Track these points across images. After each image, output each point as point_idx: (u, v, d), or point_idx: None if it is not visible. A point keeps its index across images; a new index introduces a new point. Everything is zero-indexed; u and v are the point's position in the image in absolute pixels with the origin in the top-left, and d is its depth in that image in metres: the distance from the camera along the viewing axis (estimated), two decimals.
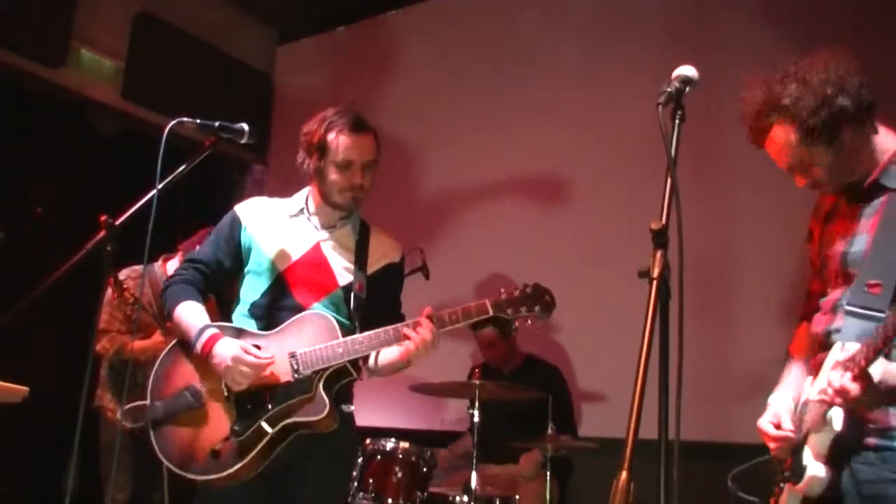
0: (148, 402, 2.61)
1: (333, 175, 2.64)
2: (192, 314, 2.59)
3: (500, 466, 4.38)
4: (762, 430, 2.18)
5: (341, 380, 2.55)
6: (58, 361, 5.04)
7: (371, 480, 3.64)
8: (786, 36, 4.29)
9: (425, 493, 3.69)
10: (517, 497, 3.91)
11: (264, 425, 2.45)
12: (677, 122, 1.85)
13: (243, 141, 2.65)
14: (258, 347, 2.51)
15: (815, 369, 2.14)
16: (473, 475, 3.62)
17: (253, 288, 2.68)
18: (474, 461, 3.64)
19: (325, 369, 2.48)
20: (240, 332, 2.59)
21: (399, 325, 2.49)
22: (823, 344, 2.10)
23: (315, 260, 2.67)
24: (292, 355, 2.50)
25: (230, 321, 2.69)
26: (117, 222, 2.53)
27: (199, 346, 2.51)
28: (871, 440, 1.96)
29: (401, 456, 3.70)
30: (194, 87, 5.94)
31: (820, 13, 4.45)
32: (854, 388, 1.84)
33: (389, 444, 3.74)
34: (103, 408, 4.27)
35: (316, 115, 2.72)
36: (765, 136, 2.12)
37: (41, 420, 4.75)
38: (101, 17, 5.77)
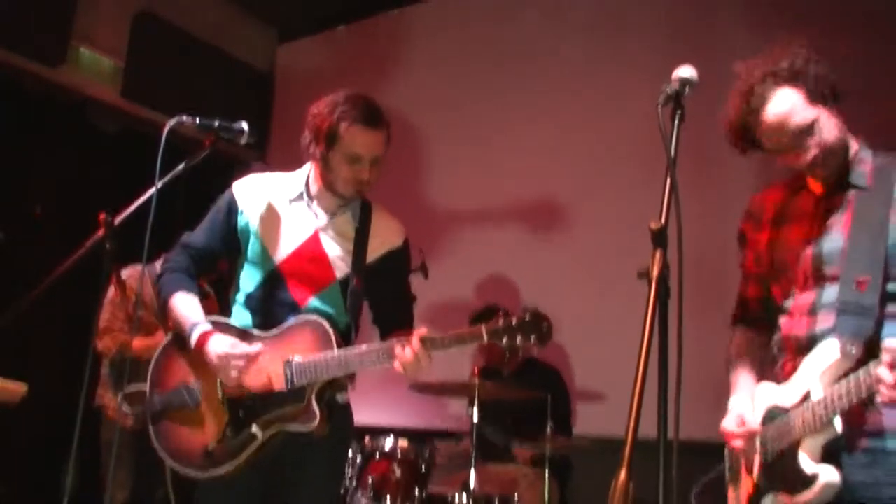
0: (147, 392, 2.62)
1: (340, 166, 2.57)
2: (185, 307, 2.58)
3: (498, 465, 4.38)
4: (726, 430, 2.18)
5: (334, 389, 2.55)
6: (58, 360, 5.05)
7: (370, 479, 3.65)
8: (785, 35, 4.29)
9: (424, 492, 3.69)
10: (516, 496, 3.91)
11: (255, 430, 2.46)
12: (677, 122, 1.85)
13: (243, 140, 2.65)
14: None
15: (785, 374, 2.13)
16: (472, 474, 3.62)
17: (249, 278, 2.65)
18: (473, 460, 3.64)
19: (317, 381, 2.46)
20: (239, 333, 2.57)
21: (392, 342, 2.42)
22: (804, 347, 2.07)
23: (312, 251, 2.63)
24: (287, 363, 2.48)
25: (230, 312, 2.68)
26: (117, 221, 2.55)
27: (192, 342, 2.51)
28: (864, 442, 1.94)
29: (400, 455, 3.71)
30: (194, 87, 5.94)
31: (821, 13, 4.45)
32: None
33: (388, 443, 3.74)
34: (104, 406, 4.27)
35: (327, 96, 2.61)
36: (759, 115, 2.08)
37: (41, 419, 4.76)
38: (101, 15, 5.76)
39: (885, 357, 1.80)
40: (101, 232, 2.54)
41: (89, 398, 4.19)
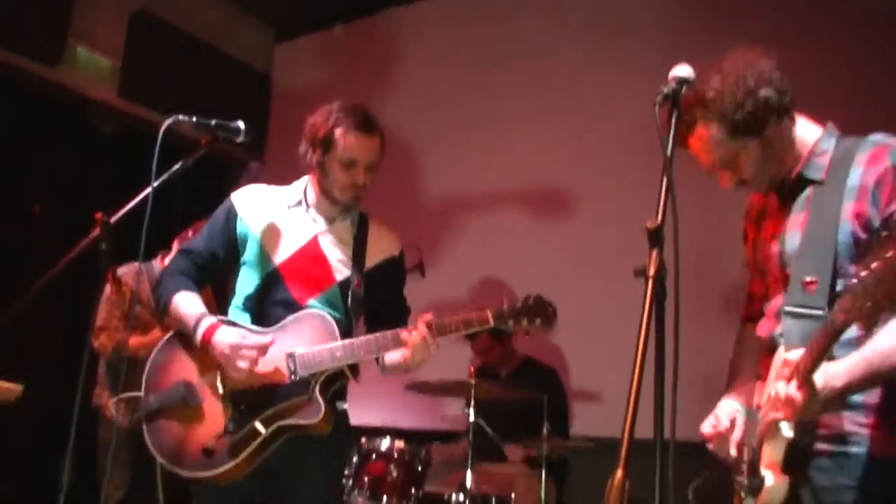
0: (142, 394, 2.59)
1: (336, 172, 2.60)
2: (188, 304, 2.56)
3: (495, 465, 4.38)
4: (702, 432, 2.14)
5: (338, 382, 2.54)
6: (55, 359, 5.04)
7: (366, 479, 3.64)
8: (786, 35, 4.30)
9: (421, 492, 3.69)
10: (513, 496, 3.91)
11: (258, 425, 2.42)
12: (674, 121, 1.86)
13: (240, 139, 2.65)
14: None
15: (764, 375, 2.11)
16: (469, 474, 3.62)
17: (248, 280, 2.65)
18: (470, 460, 3.64)
19: (322, 372, 2.45)
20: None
21: (398, 329, 2.45)
22: (771, 349, 2.05)
23: (312, 254, 2.63)
24: (290, 356, 2.47)
25: (227, 315, 2.66)
26: (113, 220, 2.54)
27: (198, 335, 2.47)
28: (825, 446, 1.90)
29: (396, 455, 3.71)
30: (191, 86, 5.93)
31: (821, 13, 4.46)
32: (799, 398, 1.76)
33: (385, 443, 3.74)
34: (101, 406, 4.27)
35: (323, 106, 2.66)
36: (689, 133, 2.04)
37: (39, 418, 4.76)
38: (99, 15, 5.76)
39: (783, 370, 1.80)
40: (96, 231, 2.53)
41: (86, 397, 4.19)
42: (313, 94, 6.34)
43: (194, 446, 2.47)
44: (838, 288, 1.90)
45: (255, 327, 2.57)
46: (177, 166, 2.62)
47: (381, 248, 2.73)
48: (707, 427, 2.13)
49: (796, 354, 1.81)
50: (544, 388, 4.17)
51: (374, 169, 2.64)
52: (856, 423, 1.88)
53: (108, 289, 4.17)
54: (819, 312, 1.89)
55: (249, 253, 2.66)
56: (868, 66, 4.12)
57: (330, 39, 6.80)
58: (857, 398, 1.86)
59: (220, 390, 2.51)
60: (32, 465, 5.06)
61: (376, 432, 3.92)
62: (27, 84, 5.37)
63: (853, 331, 1.79)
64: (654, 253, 1.70)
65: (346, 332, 2.59)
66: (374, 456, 3.72)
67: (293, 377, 2.46)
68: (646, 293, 1.67)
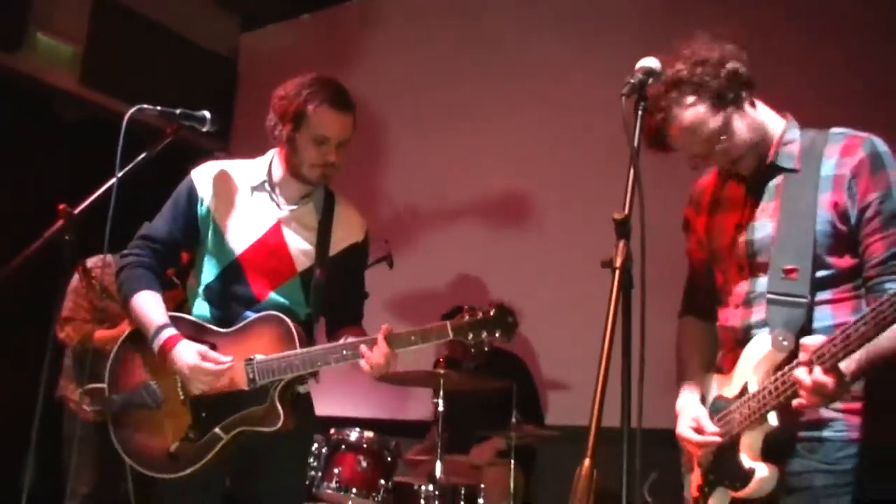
0: (106, 391, 2.57)
1: (307, 148, 2.52)
2: (149, 307, 2.51)
3: (465, 456, 4.40)
4: (684, 437, 2.12)
5: (297, 386, 2.53)
6: (18, 352, 4.95)
7: (336, 470, 3.65)
8: (760, 30, 4.32)
9: (390, 483, 3.70)
10: (482, 486, 3.93)
11: (219, 431, 2.44)
12: (640, 112, 1.88)
13: (205, 129, 2.61)
14: (215, 347, 2.47)
15: (727, 365, 2.12)
16: (438, 465, 3.63)
17: (208, 269, 2.61)
18: (439, 451, 3.65)
19: (280, 379, 2.44)
20: (198, 329, 2.53)
21: (358, 340, 2.41)
22: (741, 340, 2.06)
23: (273, 243, 2.58)
24: (249, 362, 2.44)
25: (190, 300, 2.64)
26: (77, 211, 2.50)
27: (156, 346, 2.45)
28: (802, 433, 1.93)
29: (365, 446, 3.71)
30: (156, 74, 5.85)
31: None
32: (829, 382, 1.74)
33: (354, 434, 3.74)
34: (66, 398, 4.21)
35: (294, 78, 2.58)
36: (669, 125, 2.04)
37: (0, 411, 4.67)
38: (60, 0, 5.65)
39: (802, 356, 1.80)
40: (60, 222, 2.49)
41: (50, 390, 4.13)
42: (280, 83, 6.25)
43: (158, 449, 2.48)
44: (819, 276, 1.94)
45: (215, 328, 2.54)
46: (142, 156, 2.58)
47: (346, 232, 2.68)
48: (688, 432, 2.11)
49: (816, 340, 1.79)
50: (512, 375, 4.19)
51: (346, 146, 2.58)
52: (834, 409, 1.91)
53: (75, 279, 4.11)
54: (803, 300, 1.93)
55: (211, 241, 2.60)
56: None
57: (296, 28, 6.74)
58: None
59: (181, 395, 2.50)
60: None
61: (345, 422, 3.91)
62: None
63: (833, 317, 1.90)
64: (621, 244, 1.72)
65: (307, 321, 2.58)
66: (343, 447, 3.72)
67: (252, 385, 2.44)
68: (612, 283, 1.69)
